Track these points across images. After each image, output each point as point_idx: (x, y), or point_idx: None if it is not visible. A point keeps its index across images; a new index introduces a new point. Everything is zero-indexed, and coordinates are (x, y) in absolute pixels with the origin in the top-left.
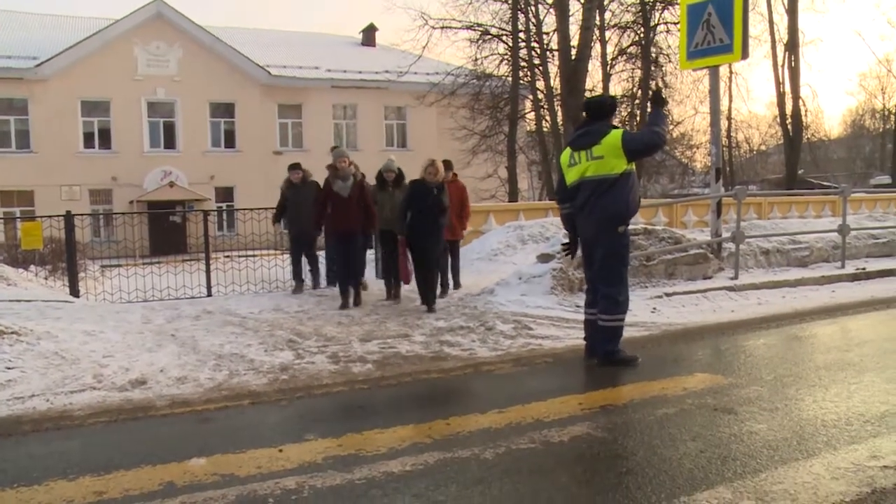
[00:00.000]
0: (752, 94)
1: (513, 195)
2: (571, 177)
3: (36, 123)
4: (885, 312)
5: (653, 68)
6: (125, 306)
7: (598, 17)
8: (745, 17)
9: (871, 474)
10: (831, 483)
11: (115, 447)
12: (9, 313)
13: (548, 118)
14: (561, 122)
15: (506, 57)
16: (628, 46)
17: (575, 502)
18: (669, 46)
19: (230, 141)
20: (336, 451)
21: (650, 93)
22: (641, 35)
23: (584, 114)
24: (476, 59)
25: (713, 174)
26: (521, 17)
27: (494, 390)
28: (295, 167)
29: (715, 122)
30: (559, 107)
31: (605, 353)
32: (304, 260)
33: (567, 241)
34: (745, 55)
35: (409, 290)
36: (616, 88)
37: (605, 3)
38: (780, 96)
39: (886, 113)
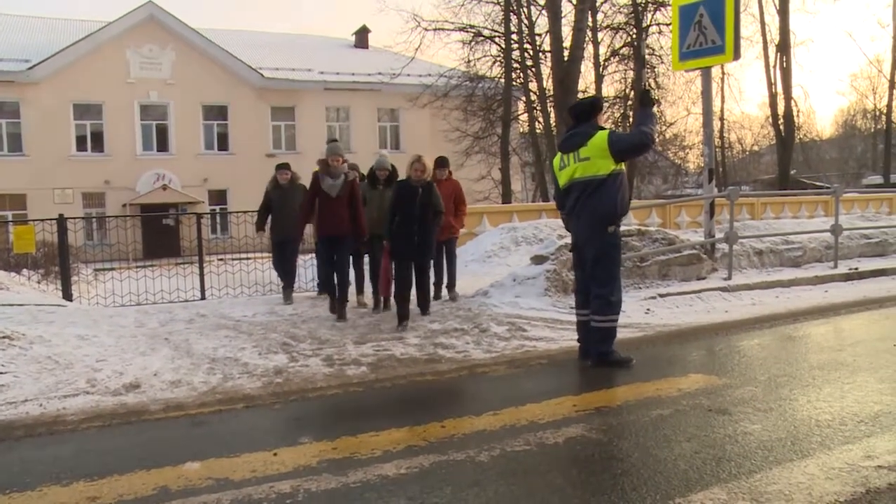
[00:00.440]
0: (744, 94)
1: (506, 197)
2: (562, 180)
3: (28, 126)
4: (877, 312)
5: (646, 70)
6: (118, 310)
7: (590, 19)
8: (737, 18)
9: (866, 474)
10: (826, 483)
11: (108, 452)
12: (1, 317)
13: (541, 119)
14: (554, 124)
15: (498, 58)
16: (621, 47)
17: None
18: (662, 47)
19: (223, 144)
20: (331, 455)
21: (640, 93)
22: (634, 36)
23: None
24: (469, 61)
25: (706, 175)
26: (514, 18)
27: (489, 392)
28: (283, 167)
29: (707, 123)
30: (552, 108)
31: (598, 354)
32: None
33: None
34: (737, 56)
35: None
36: (609, 89)
37: (598, 4)
38: (773, 97)
39: (878, 113)
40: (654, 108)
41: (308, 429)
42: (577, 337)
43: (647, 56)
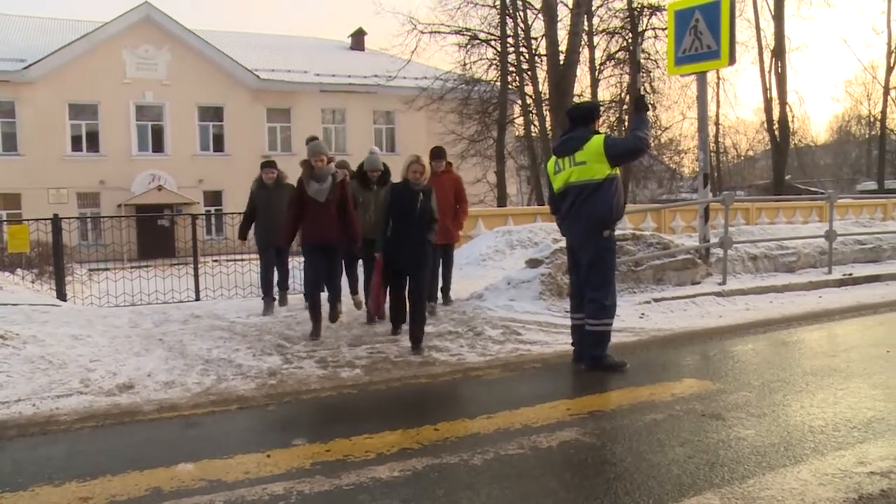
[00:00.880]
0: (739, 99)
1: (502, 200)
2: (557, 184)
3: (23, 126)
4: (871, 318)
5: (640, 74)
6: (113, 310)
7: (586, 23)
8: (732, 24)
9: (858, 480)
10: (818, 489)
11: (101, 452)
12: None
13: (536, 123)
14: (550, 127)
15: (494, 62)
16: (616, 52)
17: None
18: (657, 52)
19: (219, 145)
20: (324, 457)
21: (634, 98)
22: (629, 41)
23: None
24: (465, 64)
25: (701, 179)
26: (510, 22)
27: (483, 395)
28: (269, 165)
29: (703, 128)
30: (548, 112)
31: (592, 358)
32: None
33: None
34: (732, 61)
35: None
36: (604, 93)
37: (594, 8)
38: (768, 102)
39: (872, 119)
40: (649, 113)
41: (302, 431)
42: (571, 341)
43: (642, 60)
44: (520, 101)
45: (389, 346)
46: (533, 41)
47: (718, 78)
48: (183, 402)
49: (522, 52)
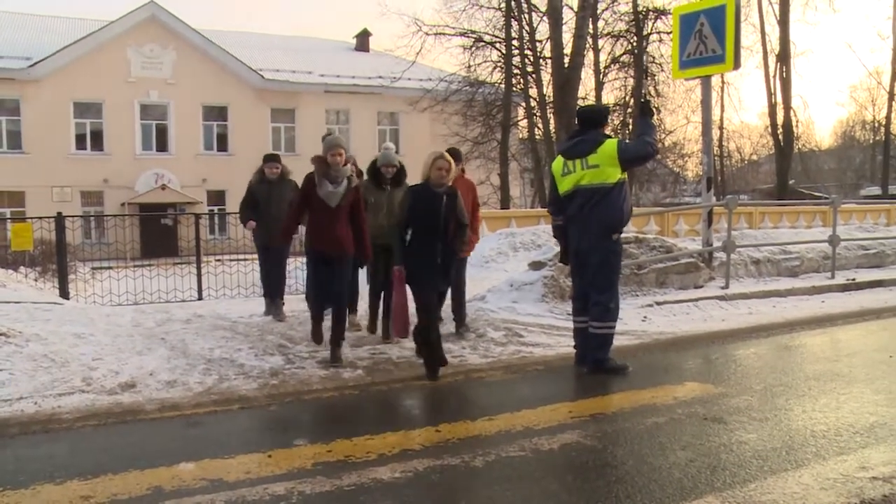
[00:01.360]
0: (743, 103)
1: (505, 202)
2: (565, 186)
3: (28, 124)
4: (874, 323)
5: (645, 78)
6: (115, 309)
7: (591, 26)
8: (738, 28)
9: (860, 485)
10: (820, 494)
11: (103, 451)
12: None
13: (540, 126)
14: (553, 130)
15: (499, 64)
16: (621, 55)
17: None
18: (662, 56)
19: (223, 144)
20: (325, 457)
21: (640, 103)
22: (634, 44)
23: (576, 122)
24: (469, 66)
25: (704, 183)
26: (515, 24)
27: (485, 397)
28: (272, 159)
29: (707, 132)
30: (552, 114)
31: (594, 360)
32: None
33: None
34: (737, 65)
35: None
36: (609, 97)
37: (599, 11)
38: (772, 106)
39: (877, 124)
40: (654, 118)
41: (303, 431)
42: (573, 343)
43: (647, 64)
44: (524, 104)
45: (391, 347)
46: (538, 44)
47: (723, 82)
48: (185, 401)
49: (527, 55)
